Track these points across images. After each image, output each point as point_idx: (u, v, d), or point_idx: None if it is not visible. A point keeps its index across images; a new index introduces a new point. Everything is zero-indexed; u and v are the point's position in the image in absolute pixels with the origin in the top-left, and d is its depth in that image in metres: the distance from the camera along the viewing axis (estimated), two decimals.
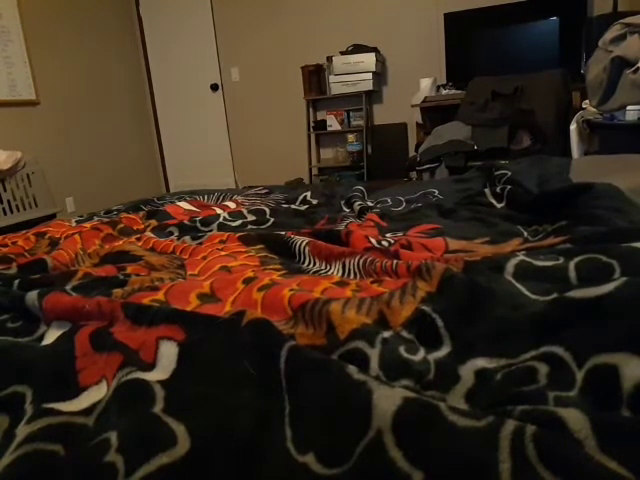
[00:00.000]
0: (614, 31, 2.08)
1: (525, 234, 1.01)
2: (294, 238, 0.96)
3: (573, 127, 2.27)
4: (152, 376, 0.52)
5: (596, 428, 0.38)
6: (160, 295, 0.72)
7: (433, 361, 0.52)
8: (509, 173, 1.33)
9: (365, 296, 0.63)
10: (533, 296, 0.59)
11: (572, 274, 0.62)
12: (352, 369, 0.46)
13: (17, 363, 0.57)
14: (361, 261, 0.79)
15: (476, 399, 0.46)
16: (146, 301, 0.70)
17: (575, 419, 0.39)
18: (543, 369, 0.47)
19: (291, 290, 0.65)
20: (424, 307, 0.59)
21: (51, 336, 0.65)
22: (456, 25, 3.69)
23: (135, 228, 1.35)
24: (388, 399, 0.42)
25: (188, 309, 0.67)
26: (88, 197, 4.13)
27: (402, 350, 0.53)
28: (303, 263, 0.91)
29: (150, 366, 0.53)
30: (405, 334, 0.56)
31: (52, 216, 3.16)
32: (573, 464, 0.36)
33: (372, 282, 0.73)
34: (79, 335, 0.60)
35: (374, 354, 0.52)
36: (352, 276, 0.79)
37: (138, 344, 0.56)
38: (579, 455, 0.36)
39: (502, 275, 0.65)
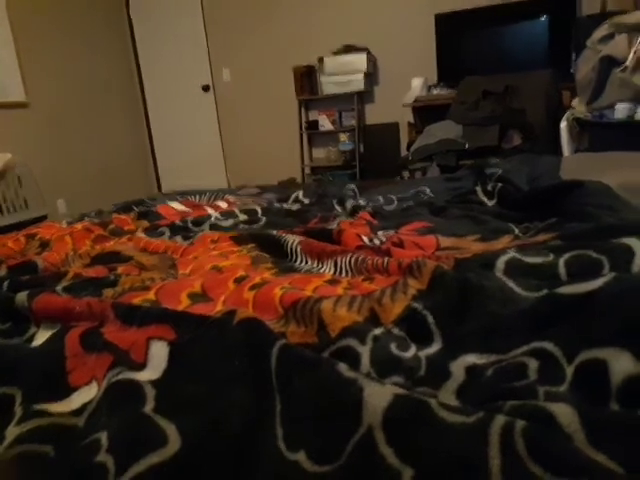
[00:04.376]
0: (602, 30, 2.10)
1: (516, 231, 1.02)
2: (286, 237, 0.96)
3: (563, 125, 2.29)
4: (143, 376, 0.51)
5: (585, 422, 0.38)
6: (151, 295, 0.72)
7: (424, 357, 0.53)
8: (500, 171, 1.34)
9: (356, 294, 0.63)
10: (523, 292, 0.59)
11: (562, 270, 0.63)
12: (342, 367, 0.46)
13: (6, 364, 0.56)
14: (353, 259, 0.79)
15: (467, 395, 0.47)
16: (137, 301, 0.70)
17: (564, 414, 0.39)
18: (533, 364, 0.48)
19: (282, 289, 0.65)
20: (415, 304, 0.59)
21: (41, 337, 0.64)
22: (447, 25, 3.71)
23: (126, 229, 1.34)
24: (379, 396, 0.42)
25: (179, 309, 0.67)
26: (79, 198, 4.10)
27: (393, 347, 0.53)
28: (295, 262, 0.91)
29: (141, 366, 0.53)
30: (396, 331, 0.57)
31: (43, 218, 3.14)
32: (562, 458, 0.36)
33: (363, 280, 0.73)
34: (69, 336, 0.60)
35: (365, 351, 0.52)
36: (344, 274, 0.79)
37: (129, 344, 0.56)
38: (568, 449, 0.37)
39: (493, 272, 0.66)
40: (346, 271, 0.79)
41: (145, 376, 0.51)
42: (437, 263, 0.65)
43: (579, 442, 0.38)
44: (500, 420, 0.39)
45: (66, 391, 0.53)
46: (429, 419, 0.40)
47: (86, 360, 0.56)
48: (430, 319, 0.57)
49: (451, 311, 0.57)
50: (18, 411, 0.50)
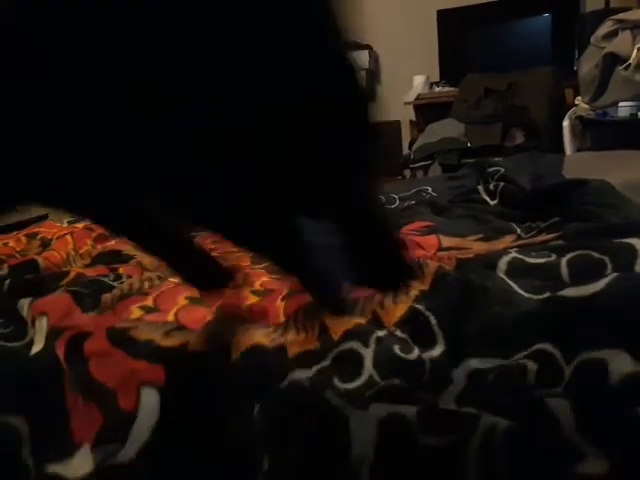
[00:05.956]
0: (606, 27, 2.10)
1: (518, 231, 1.01)
2: None
3: (566, 124, 2.29)
4: (132, 448, 0.46)
5: (577, 415, 0.38)
6: (149, 301, 0.71)
7: (428, 360, 0.52)
8: (502, 170, 1.33)
9: (358, 297, 0.63)
10: (526, 294, 0.59)
11: (564, 271, 0.62)
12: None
13: (8, 384, 0.54)
14: None
15: (467, 400, 0.46)
16: (134, 308, 0.69)
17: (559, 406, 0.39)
18: (534, 367, 0.47)
19: (283, 300, 0.64)
20: (417, 306, 0.59)
21: (39, 341, 0.63)
22: (449, 22, 3.70)
23: None
24: (364, 424, 0.42)
25: (175, 309, 0.67)
26: None
27: (397, 349, 0.53)
28: None
29: (131, 417, 0.48)
30: (399, 333, 0.56)
31: (44, 217, 3.14)
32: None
33: None
34: (59, 347, 0.56)
35: (368, 353, 0.52)
36: None
37: (116, 381, 0.51)
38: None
39: (495, 273, 0.65)
40: None
41: (134, 446, 0.46)
42: (439, 264, 0.65)
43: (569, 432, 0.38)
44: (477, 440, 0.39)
45: (69, 447, 0.47)
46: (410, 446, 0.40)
47: (77, 401, 0.50)
48: (433, 320, 0.56)
49: (454, 312, 0.57)
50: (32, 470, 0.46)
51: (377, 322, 0.58)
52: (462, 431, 0.39)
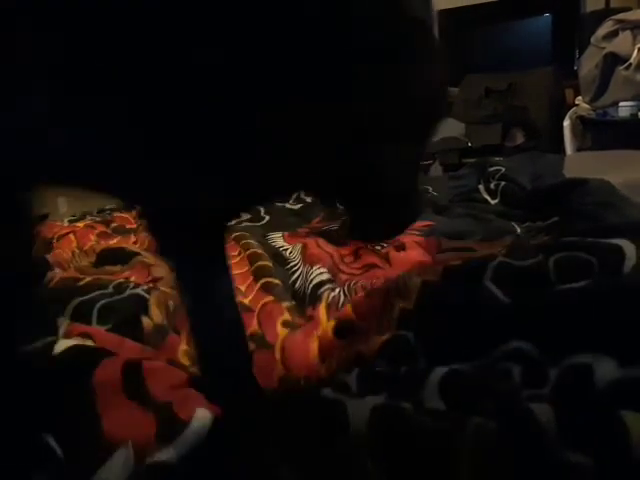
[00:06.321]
0: (606, 27, 2.10)
1: (519, 230, 1.02)
2: (290, 254, 0.98)
3: (566, 124, 2.29)
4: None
5: (560, 420, 0.38)
6: None
7: (407, 372, 0.52)
8: (503, 169, 1.34)
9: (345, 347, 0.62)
10: (508, 299, 0.58)
11: (551, 272, 0.61)
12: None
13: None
14: (346, 286, 0.80)
15: (450, 400, 0.46)
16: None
17: (542, 411, 0.39)
18: (517, 369, 0.48)
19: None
20: (400, 332, 0.59)
21: (63, 344, 0.60)
22: (450, 22, 3.69)
23: (128, 227, 1.34)
24: (359, 410, 0.42)
25: None
26: (80, 197, 4.09)
27: (378, 369, 0.54)
28: (294, 273, 0.92)
29: (182, 426, 0.46)
30: (380, 361, 0.56)
31: (44, 217, 3.14)
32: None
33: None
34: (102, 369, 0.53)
35: (351, 379, 0.53)
36: (342, 300, 0.79)
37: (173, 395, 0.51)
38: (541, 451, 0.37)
39: (481, 280, 0.63)
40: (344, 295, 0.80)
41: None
42: (423, 278, 0.65)
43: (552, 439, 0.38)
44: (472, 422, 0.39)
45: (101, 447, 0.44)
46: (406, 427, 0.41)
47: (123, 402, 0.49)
48: (412, 338, 0.57)
49: (435, 326, 0.57)
50: None
51: (360, 359, 0.58)
52: (451, 429, 0.39)
